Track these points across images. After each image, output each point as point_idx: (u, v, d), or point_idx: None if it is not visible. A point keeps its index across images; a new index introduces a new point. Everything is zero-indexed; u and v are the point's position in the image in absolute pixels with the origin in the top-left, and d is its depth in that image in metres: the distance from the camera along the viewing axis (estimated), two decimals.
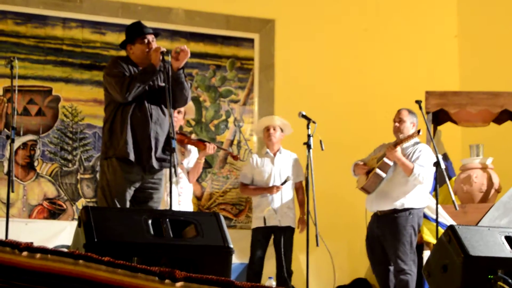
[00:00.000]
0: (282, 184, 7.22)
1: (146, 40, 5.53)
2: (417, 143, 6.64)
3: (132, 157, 5.33)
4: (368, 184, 6.58)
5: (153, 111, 5.44)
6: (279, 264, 7.17)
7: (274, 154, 7.40)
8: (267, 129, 7.42)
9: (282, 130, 7.43)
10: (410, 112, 6.69)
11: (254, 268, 7.20)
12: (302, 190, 7.38)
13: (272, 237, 7.29)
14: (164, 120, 5.46)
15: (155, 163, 5.40)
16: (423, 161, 6.49)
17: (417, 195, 6.55)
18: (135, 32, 5.57)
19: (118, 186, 5.35)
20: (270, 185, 7.27)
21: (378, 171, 6.52)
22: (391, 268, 6.54)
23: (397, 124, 6.66)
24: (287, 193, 7.29)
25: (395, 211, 6.48)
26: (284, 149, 7.46)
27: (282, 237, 7.14)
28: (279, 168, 7.34)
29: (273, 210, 7.17)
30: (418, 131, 6.46)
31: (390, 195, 6.52)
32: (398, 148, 6.48)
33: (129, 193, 5.40)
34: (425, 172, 6.46)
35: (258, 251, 7.21)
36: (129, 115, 5.38)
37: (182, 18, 8.69)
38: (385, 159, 6.50)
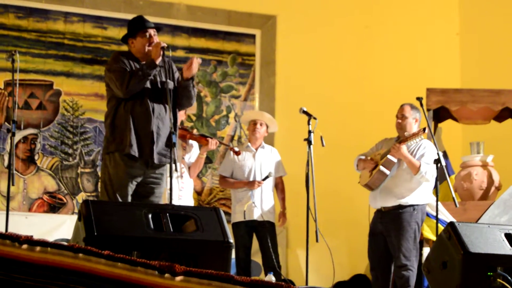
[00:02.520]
0: (264, 179, 7.12)
1: (147, 34, 5.51)
2: (420, 139, 6.53)
3: (134, 151, 5.33)
4: (372, 181, 6.46)
5: (155, 106, 5.43)
6: (266, 258, 7.07)
7: (256, 149, 7.25)
8: (253, 122, 7.28)
9: (267, 127, 7.34)
10: (413, 107, 6.53)
11: (242, 264, 7.04)
12: (282, 185, 7.34)
13: (255, 233, 7.19)
14: (165, 115, 5.45)
15: (155, 158, 5.39)
16: (429, 158, 6.37)
17: (421, 192, 6.45)
18: (137, 26, 5.55)
19: (120, 181, 5.36)
20: (251, 179, 7.14)
21: (382, 168, 6.39)
22: (392, 265, 6.48)
23: (399, 120, 6.51)
24: (267, 188, 7.17)
25: (400, 207, 6.37)
26: (266, 144, 7.37)
27: (265, 232, 7.06)
28: (260, 163, 7.21)
29: (254, 205, 7.07)
30: (424, 129, 6.29)
31: (394, 192, 6.40)
32: (404, 146, 6.34)
33: (131, 187, 5.40)
34: (431, 169, 6.32)
35: (243, 246, 7.05)
36: (131, 110, 5.38)
37: (184, 13, 8.68)
38: (389, 156, 6.37)
